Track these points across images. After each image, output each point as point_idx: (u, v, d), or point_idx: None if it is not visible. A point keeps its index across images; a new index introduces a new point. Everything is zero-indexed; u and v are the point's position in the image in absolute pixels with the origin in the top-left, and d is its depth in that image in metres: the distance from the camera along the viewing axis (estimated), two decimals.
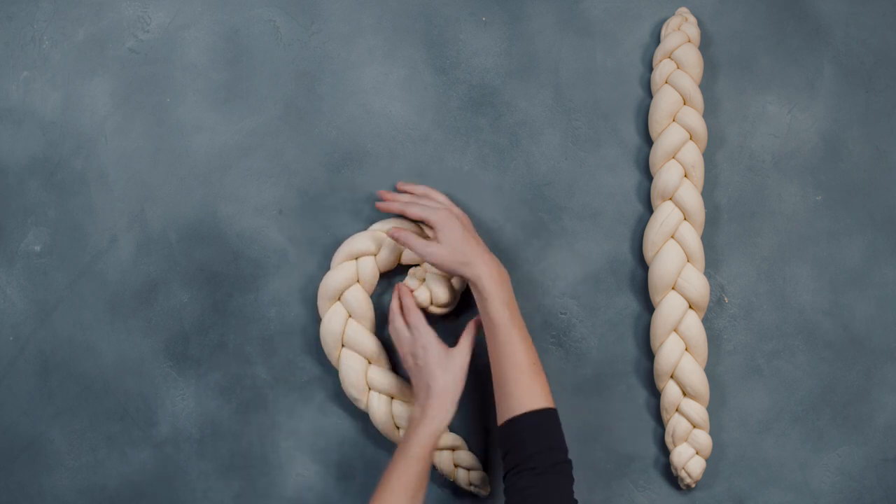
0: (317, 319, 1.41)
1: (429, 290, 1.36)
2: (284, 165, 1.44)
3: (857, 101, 1.43)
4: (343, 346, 1.38)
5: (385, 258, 1.38)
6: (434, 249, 1.29)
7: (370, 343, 1.38)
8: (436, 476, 1.41)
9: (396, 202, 1.35)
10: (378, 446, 1.42)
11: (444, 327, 1.40)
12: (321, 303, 1.38)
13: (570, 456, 1.22)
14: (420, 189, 1.38)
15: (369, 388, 1.38)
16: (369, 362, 1.38)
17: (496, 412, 1.26)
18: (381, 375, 1.38)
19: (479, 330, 1.35)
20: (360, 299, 1.38)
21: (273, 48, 1.45)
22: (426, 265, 1.37)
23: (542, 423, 1.22)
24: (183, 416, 1.43)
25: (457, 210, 1.35)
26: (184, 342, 1.43)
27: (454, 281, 1.38)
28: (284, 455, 1.42)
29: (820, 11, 1.44)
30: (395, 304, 1.36)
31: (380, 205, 1.36)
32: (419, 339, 1.32)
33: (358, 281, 1.38)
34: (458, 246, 1.29)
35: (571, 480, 1.21)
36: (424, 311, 1.37)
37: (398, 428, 1.37)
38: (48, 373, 1.44)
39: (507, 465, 1.21)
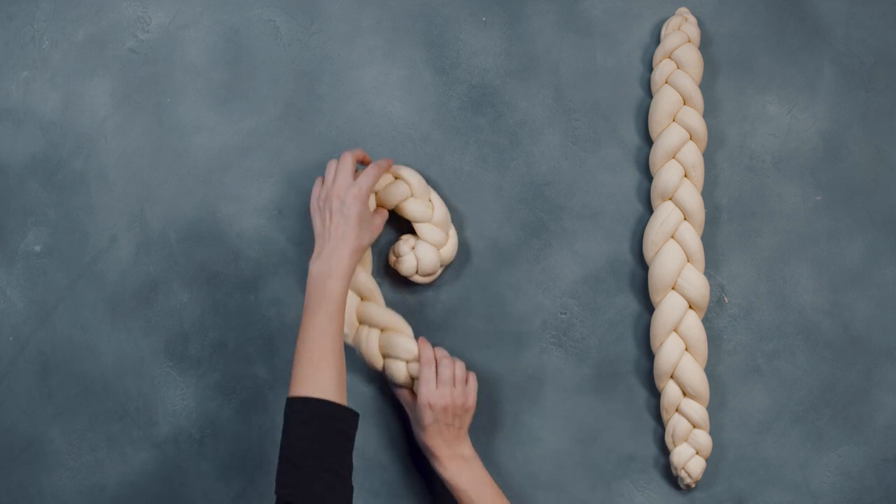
0: None
1: (416, 259, 1.37)
2: (284, 165, 1.44)
3: (857, 101, 1.43)
4: None
5: (383, 198, 1.38)
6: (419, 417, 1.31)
7: (364, 280, 1.38)
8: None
9: (428, 350, 1.34)
10: (378, 445, 1.42)
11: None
12: None
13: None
14: (447, 359, 1.35)
15: (359, 323, 1.38)
16: (361, 299, 1.39)
17: None
18: (372, 309, 1.37)
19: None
20: None
21: (273, 48, 1.45)
22: (420, 234, 1.37)
23: None
24: (183, 416, 1.43)
25: (456, 397, 1.31)
26: (184, 342, 1.43)
27: (443, 251, 1.38)
28: None
29: (820, 11, 1.44)
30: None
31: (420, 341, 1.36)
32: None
33: None
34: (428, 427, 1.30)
35: None
36: (408, 278, 1.38)
37: (385, 357, 1.37)
38: (48, 373, 1.44)
39: None
